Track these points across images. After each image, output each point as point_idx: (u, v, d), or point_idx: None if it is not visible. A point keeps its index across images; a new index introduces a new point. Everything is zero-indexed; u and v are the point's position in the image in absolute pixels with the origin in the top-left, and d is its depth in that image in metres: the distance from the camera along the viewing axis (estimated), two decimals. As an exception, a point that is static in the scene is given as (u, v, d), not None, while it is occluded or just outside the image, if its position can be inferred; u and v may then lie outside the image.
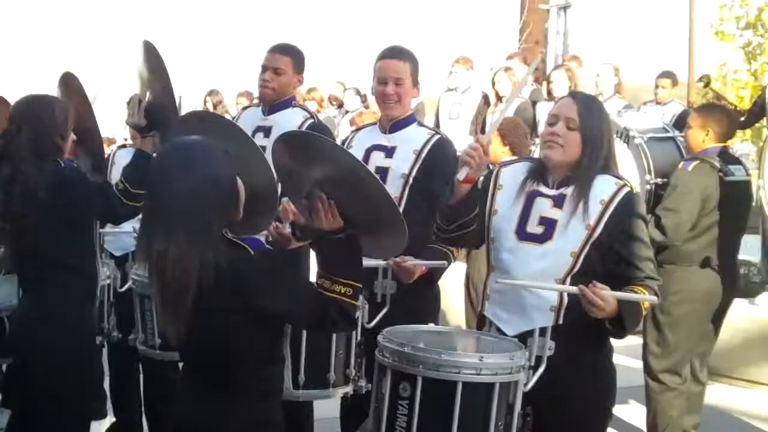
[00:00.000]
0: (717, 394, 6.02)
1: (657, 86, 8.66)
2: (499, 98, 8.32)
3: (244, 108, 4.88)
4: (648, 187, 5.09)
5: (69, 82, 3.88)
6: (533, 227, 3.02)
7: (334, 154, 2.56)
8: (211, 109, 10.82)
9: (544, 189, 3.06)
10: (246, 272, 2.43)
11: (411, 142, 3.76)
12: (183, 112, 4.66)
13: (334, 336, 3.33)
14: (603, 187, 3.00)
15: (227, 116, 10.26)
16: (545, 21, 12.24)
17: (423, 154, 3.73)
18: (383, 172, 3.70)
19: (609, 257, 2.98)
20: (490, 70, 9.02)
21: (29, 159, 3.49)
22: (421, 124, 3.92)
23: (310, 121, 4.26)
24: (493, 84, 8.41)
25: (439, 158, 3.72)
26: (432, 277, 3.80)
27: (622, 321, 2.88)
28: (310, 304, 2.51)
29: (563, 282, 2.97)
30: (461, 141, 7.82)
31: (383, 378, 2.78)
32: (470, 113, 8.51)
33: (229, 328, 2.46)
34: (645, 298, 2.90)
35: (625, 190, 3.01)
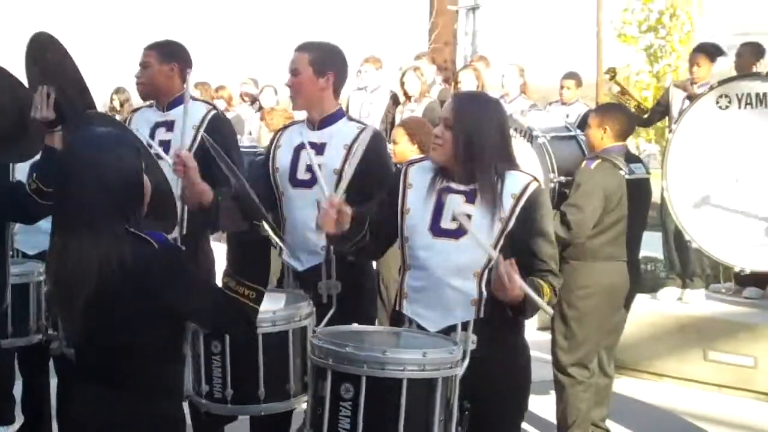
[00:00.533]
0: (624, 387, 6.13)
1: (562, 87, 8.82)
2: (407, 97, 8.35)
3: (135, 110, 4.75)
4: (552, 185, 5.17)
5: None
6: (447, 223, 3.05)
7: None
8: (118, 107, 10.62)
9: (453, 185, 3.09)
10: (149, 266, 2.40)
11: (341, 137, 3.74)
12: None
13: (291, 345, 3.25)
14: (514, 182, 3.06)
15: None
16: (454, 22, 12.37)
17: (354, 149, 3.67)
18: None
19: (519, 249, 3.03)
20: (399, 70, 9.04)
21: None
22: (351, 119, 3.91)
23: (213, 112, 4.20)
24: (402, 84, 8.44)
25: (373, 153, 3.65)
26: (370, 273, 3.82)
27: (523, 310, 2.95)
28: (213, 303, 2.50)
29: (481, 275, 3.02)
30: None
31: (321, 380, 2.74)
32: (379, 112, 8.54)
33: (131, 323, 2.42)
34: (544, 306, 2.91)
35: (535, 184, 3.09)
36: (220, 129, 4.08)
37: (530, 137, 5.26)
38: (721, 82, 5.29)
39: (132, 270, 2.36)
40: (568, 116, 8.24)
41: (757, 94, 4.95)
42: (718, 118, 5.11)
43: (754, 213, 4.95)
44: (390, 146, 5.95)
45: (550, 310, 2.97)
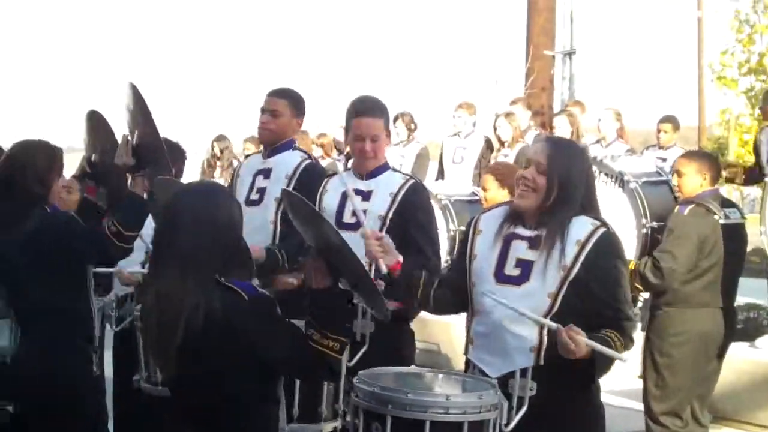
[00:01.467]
0: (724, 438, 5.99)
1: (659, 131, 8.73)
2: (501, 143, 8.41)
3: (248, 155, 5.03)
4: (644, 230, 5.14)
5: (95, 120, 3.98)
6: (510, 269, 3.07)
7: (314, 220, 2.75)
8: (218, 155, 11.00)
9: (520, 231, 3.10)
10: (238, 317, 2.49)
11: (387, 185, 3.94)
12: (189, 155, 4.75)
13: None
14: (579, 228, 3.04)
15: (234, 162, 10.40)
16: (551, 67, 12.38)
17: (399, 197, 3.90)
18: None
19: (586, 297, 3.00)
20: (495, 115, 9.12)
21: (7, 205, 3.56)
22: (395, 170, 4.11)
23: (307, 161, 4.38)
24: (495, 129, 8.51)
25: (412, 201, 3.91)
26: (406, 315, 3.92)
27: (592, 367, 2.94)
28: (300, 354, 2.59)
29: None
30: (464, 185, 7.90)
31: (356, 418, 2.86)
32: (473, 158, 8.60)
33: (223, 371, 2.51)
34: (614, 354, 2.90)
35: (602, 230, 3.04)
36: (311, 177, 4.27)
37: (622, 182, 5.25)
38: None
39: (221, 320, 2.46)
40: (665, 160, 8.19)
41: None
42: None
43: None
44: (481, 193, 6.04)
45: (624, 358, 2.93)
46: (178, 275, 2.45)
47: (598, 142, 8.63)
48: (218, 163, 10.99)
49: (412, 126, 9.32)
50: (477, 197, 6.76)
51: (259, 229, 4.19)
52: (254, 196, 4.33)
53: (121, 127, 3.79)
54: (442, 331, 6.78)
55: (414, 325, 8.03)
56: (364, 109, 3.96)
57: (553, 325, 2.89)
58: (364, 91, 4.16)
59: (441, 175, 8.80)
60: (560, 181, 3.04)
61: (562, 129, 8.12)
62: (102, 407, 4.18)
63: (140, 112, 3.60)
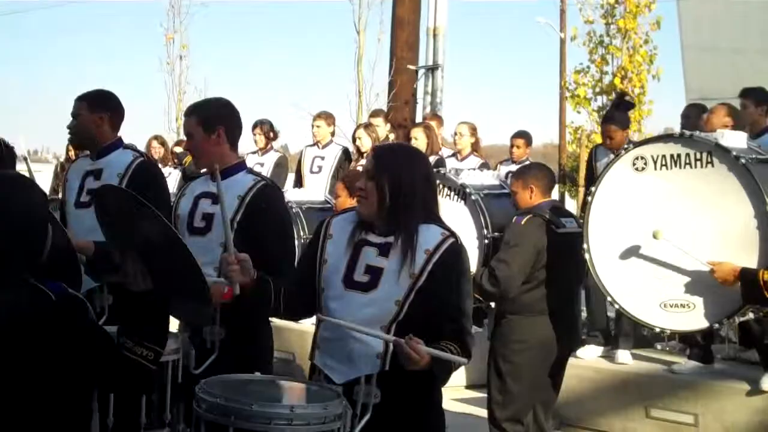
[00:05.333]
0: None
1: (512, 145, 9.02)
2: (360, 153, 8.46)
3: (69, 161, 4.96)
4: (486, 241, 5.24)
5: None
6: (359, 276, 3.05)
7: (153, 222, 2.60)
8: (72, 158, 10.63)
9: (371, 237, 3.09)
10: (42, 319, 2.35)
11: (236, 187, 3.81)
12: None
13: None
14: (428, 236, 3.04)
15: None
16: (414, 81, 12.55)
17: (247, 200, 3.79)
18: (209, 218, 3.79)
19: (430, 307, 3.01)
20: (355, 126, 9.19)
21: None
22: (250, 172, 4.00)
23: (139, 159, 4.36)
24: (354, 140, 8.58)
25: (263, 204, 3.81)
26: (261, 325, 3.85)
27: (432, 375, 2.97)
28: (109, 363, 2.45)
29: (389, 329, 3.00)
30: (320, 194, 7.91)
31: (198, 429, 2.76)
32: (331, 167, 8.63)
33: (24, 376, 2.37)
34: (456, 359, 2.94)
35: (450, 240, 3.06)
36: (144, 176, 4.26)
37: (464, 195, 5.34)
38: (637, 144, 5.39)
39: (26, 322, 2.33)
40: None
41: (672, 156, 5.01)
42: (635, 180, 5.17)
43: (671, 272, 5.02)
44: (333, 201, 6.03)
45: (465, 360, 2.96)
46: None
47: (453, 155, 8.82)
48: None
49: (271, 135, 9.29)
50: (329, 205, 6.79)
51: (92, 229, 4.02)
52: (84, 198, 4.25)
53: None
54: (298, 339, 6.73)
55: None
56: (186, 110, 4.03)
57: (392, 338, 2.90)
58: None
59: (299, 183, 8.82)
60: (391, 186, 3.03)
61: (419, 141, 8.23)
62: None
63: None
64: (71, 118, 4.42)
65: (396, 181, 3.04)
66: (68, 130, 4.44)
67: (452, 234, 3.09)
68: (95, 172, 4.31)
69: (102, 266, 3.87)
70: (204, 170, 3.99)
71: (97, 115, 4.35)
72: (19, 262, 2.41)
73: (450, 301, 3.03)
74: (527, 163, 8.84)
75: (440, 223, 3.12)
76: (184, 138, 11.35)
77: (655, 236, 4.88)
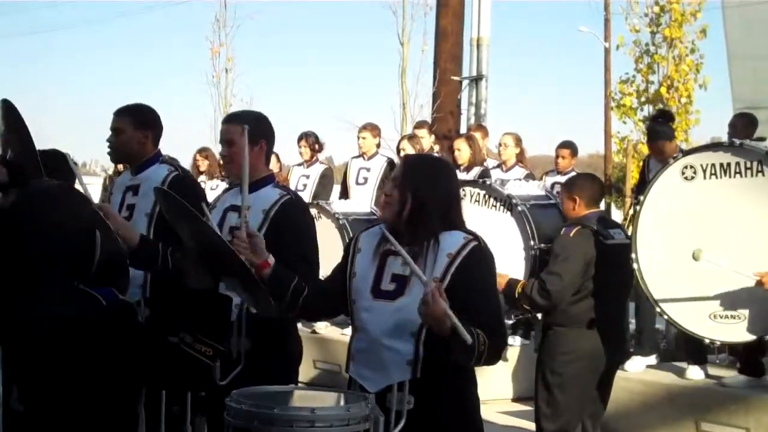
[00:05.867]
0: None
1: (557, 156, 8.96)
2: (405, 165, 8.47)
3: (117, 174, 4.99)
4: (532, 252, 5.22)
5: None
6: (386, 285, 3.11)
7: (188, 218, 2.68)
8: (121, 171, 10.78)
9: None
10: (94, 325, 2.38)
11: (262, 201, 3.88)
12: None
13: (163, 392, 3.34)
14: (451, 242, 3.10)
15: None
16: (458, 92, 12.53)
17: (271, 214, 3.86)
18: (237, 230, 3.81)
19: (457, 310, 2.95)
20: (399, 138, 9.20)
21: None
22: (276, 185, 4.05)
23: (174, 173, 4.34)
24: (399, 151, 8.59)
25: (286, 218, 3.87)
26: (288, 336, 3.89)
27: (452, 346, 2.89)
28: (163, 362, 2.47)
29: (418, 335, 3.03)
30: (365, 206, 7.94)
31: None
32: (376, 179, 8.66)
33: (79, 383, 2.39)
34: (464, 334, 2.79)
35: (473, 243, 3.10)
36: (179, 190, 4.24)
37: (510, 206, 5.33)
38: (686, 153, 5.33)
39: (78, 327, 2.36)
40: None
41: (722, 164, 4.97)
42: (684, 189, 5.13)
43: (720, 283, 4.96)
44: (378, 212, 6.04)
45: (468, 338, 2.82)
46: (26, 286, 2.34)
47: (498, 166, 8.79)
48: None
49: (316, 147, 9.34)
50: (375, 216, 6.80)
51: None
52: (125, 213, 4.26)
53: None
54: (344, 351, 6.75)
55: (316, 345, 7.96)
56: (226, 117, 4.07)
57: (424, 277, 2.90)
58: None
59: (345, 195, 8.84)
60: (414, 194, 3.10)
61: (462, 152, 8.23)
62: None
63: (16, 129, 3.52)
64: (111, 133, 4.37)
65: (417, 193, 3.11)
66: (108, 145, 4.40)
67: (476, 237, 3.13)
68: (134, 187, 4.33)
69: (145, 257, 3.92)
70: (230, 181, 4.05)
71: (141, 132, 4.34)
72: (68, 269, 2.45)
73: (476, 302, 3.03)
74: (574, 173, 8.82)
75: (464, 228, 3.17)
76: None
77: (695, 257, 4.84)
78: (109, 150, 4.41)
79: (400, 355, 3.05)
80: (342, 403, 2.95)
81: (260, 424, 2.71)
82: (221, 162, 10.58)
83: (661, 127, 7.08)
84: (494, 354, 3.01)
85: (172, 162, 4.58)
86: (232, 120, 4.01)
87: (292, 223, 3.85)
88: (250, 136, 3.84)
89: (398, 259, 3.11)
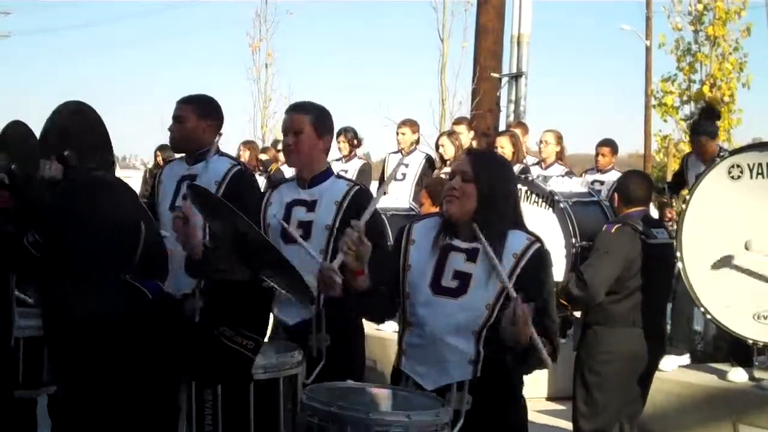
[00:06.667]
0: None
1: (597, 154, 8.88)
2: (443, 161, 8.45)
3: (169, 161, 4.97)
4: (573, 250, 5.19)
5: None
6: (448, 281, 3.06)
7: (223, 212, 2.66)
8: (161, 164, 10.86)
9: (457, 242, 3.09)
10: (140, 317, 2.40)
11: (331, 193, 3.84)
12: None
13: (281, 389, 3.31)
14: (515, 242, 3.06)
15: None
16: (497, 89, 12.47)
17: (344, 205, 3.80)
18: (307, 225, 3.78)
19: None
20: (438, 134, 9.18)
21: None
22: (339, 176, 4.02)
23: (236, 168, 4.31)
24: (437, 147, 8.57)
25: (359, 206, 3.74)
26: (360, 326, 3.86)
27: (525, 358, 2.91)
28: (206, 354, 2.49)
29: (480, 334, 3.01)
30: (404, 201, 7.93)
31: None
32: (414, 175, 8.64)
33: (124, 373, 2.41)
34: (545, 356, 2.86)
35: (537, 245, 3.08)
36: (240, 184, 4.21)
37: (552, 202, 5.29)
38: (733, 152, 5.30)
39: (124, 320, 2.38)
40: (603, 183, 8.32)
41: (768, 164, 4.93)
42: (730, 188, 5.09)
43: (765, 283, 4.89)
44: (418, 209, 6.04)
45: (550, 362, 2.91)
46: (73, 277, 2.36)
47: (538, 163, 8.74)
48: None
49: (355, 142, 9.34)
50: (414, 212, 6.78)
51: None
52: (179, 203, 4.20)
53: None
54: (379, 346, 6.76)
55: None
56: (292, 106, 3.97)
57: (512, 292, 2.88)
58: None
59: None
60: (485, 190, 3.05)
61: (504, 149, 8.19)
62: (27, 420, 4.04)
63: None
64: (173, 121, 4.35)
65: (492, 186, 3.07)
66: (171, 133, 4.37)
67: (538, 239, 3.11)
68: (190, 177, 4.27)
69: (203, 266, 3.92)
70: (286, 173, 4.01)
71: (205, 122, 4.32)
72: (114, 262, 2.47)
73: (538, 304, 2.99)
74: (615, 172, 8.74)
75: (525, 228, 3.14)
76: (269, 146, 11.52)
77: (746, 247, 4.77)
78: (171, 138, 4.38)
79: (461, 354, 3.02)
80: (411, 403, 2.91)
81: (353, 429, 2.66)
82: (258, 157, 10.71)
83: (706, 122, 7.01)
84: (554, 356, 2.99)
85: (231, 156, 4.57)
86: (299, 110, 3.93)
87: (375, 230, 3.60)
88: (318, 128, 3.84)
89: (460, 255, 3.07)
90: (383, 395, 3.09)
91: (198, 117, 4.31)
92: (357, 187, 3.90)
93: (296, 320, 3.81)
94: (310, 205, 3.84)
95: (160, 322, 2.44)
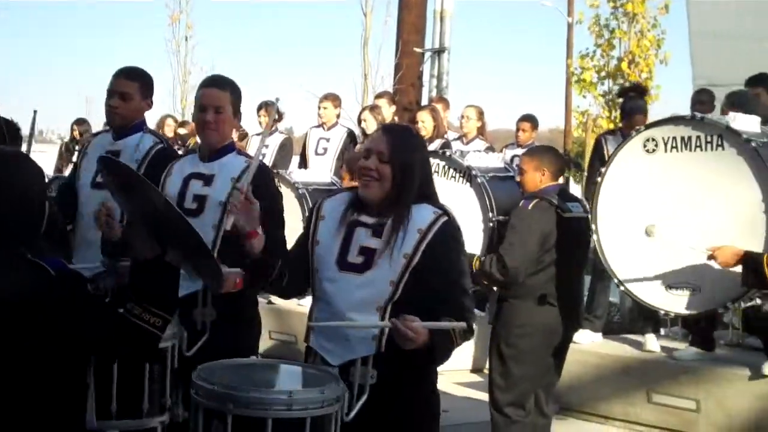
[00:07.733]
0: (569, 428, 6.14)
1: (518, 129, 8.97)
2: (365, 136, 8.43)
3: (96, 133, 4.86)
4: (490, 224, 5.22)
5: None
6: (353, 257, 3.03)
7: (150, 194, 2.58)
8: (78, 138, 10.65)
9: (364, 218, 3.07)
10: (43, 295, 2.34)
11: (229, 169, 3.77)
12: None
13: (147, 364, 3.27)
14: (421, 216, 3.02)
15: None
16: (420, 64, 12.48)
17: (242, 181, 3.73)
18: (201, 199, 3.72)
19: (427, 286, 2.98)
20: (360, 108, 9.15)
21: None
22: (240, 153, 3.94)
23: (159, 146, 4.26)
24: (359, 122, 8.54)
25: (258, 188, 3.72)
26: (252, 306, 3.83)
27: (433, 351, 2.91)
28: (115, 332, 2.44)
29: (385, 310, 2.99)
30: (325, 176, 7.89)
31: (196, 415, 2.76)
32: (336, 149, 8.60)
33: (25, 353, 2.35)
34: (454, 324, 2.91)
35: (443, 219, 3.04)
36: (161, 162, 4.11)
37: (469, 177, 5.31)
38: (648, 126, 5.34)
39: (26, 297, 2.31)
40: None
41: (683, 138, 5.00)
42: (645, 162, 5.15)
43: (677, 255, 5.00)
44: (339, 183, 6.00)
45: (463, 324, 2.92)
46: None
47: (459, 138, 8.79)
48: (77, 147, 10.65)
49: (276, 116, 9.24)
50: (336, 186, 6.75)
51: None
52: (100, 179, 4.11)
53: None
54: (300, 322, 6.73)
55: (271, 316, 7.95)
56: (211, 81, 3.87)
57: (386, 324, 2.88)
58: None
59: (304, 165, 8.79)
60: (401, 169, 3.02)
61: (425, 124, 8.20)
62: None
63: None
64: (116, 97, 4.23)
65: (408, 166, 3.04)
66: (113, 109, 4.24)
67: (445, 212, 3.06)
68: (114, 153, 4.19)
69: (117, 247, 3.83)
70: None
71: (146, 101, 4.28)
72: (18, 239, 2.40)
73: (447, 280, 3.01)
74: (538, 145, 8.84)
75: (434, 202, 3.10)
76: (188, 120, 11.36)
77: (648, 233, 4.87)
78: (114, 114, 4.25)
79: (364, 330, 3.00)
80: (307, 379, 2.91)
81: (235, 406, 2.65)
82: (177, 131, 10.55)
83: (635, 101, 7.10)
84: (466, 333, 3.00)
85: (156, 133, 4.49)
86: (221, 85, 3.82)
87: (266, 192, 3.60)
88: (235, 106, 3.78)
89: (366, 231, 3.04)
90: (284, 372, 3.08)
91: (142, 96, 4.27)
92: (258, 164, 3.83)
93: (183, 293, 3.74)
94: (207, 179, 3.78)
95: (63, 299, 2.36)
